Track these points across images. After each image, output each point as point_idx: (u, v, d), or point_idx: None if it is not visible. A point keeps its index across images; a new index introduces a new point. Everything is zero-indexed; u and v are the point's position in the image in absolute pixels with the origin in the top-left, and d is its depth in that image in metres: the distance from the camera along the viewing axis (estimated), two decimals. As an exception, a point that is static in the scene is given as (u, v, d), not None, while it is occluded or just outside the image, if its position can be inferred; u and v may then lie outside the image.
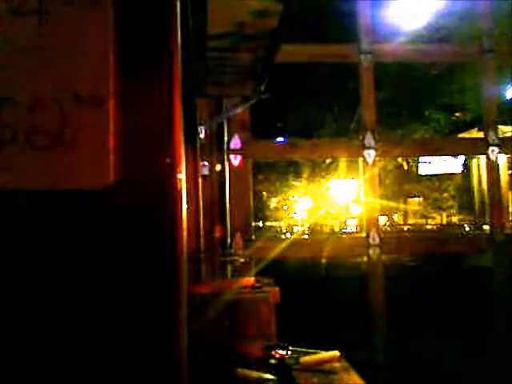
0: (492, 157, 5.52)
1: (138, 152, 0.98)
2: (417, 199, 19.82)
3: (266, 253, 4.90)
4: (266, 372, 2.08)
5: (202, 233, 4.00)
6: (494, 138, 5.51)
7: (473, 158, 13.98)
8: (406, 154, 9.88)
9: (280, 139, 11.34)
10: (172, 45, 1.02)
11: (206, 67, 3.30)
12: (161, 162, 0.98)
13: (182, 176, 1.00)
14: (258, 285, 2.93)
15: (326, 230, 20.55)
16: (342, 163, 17.34)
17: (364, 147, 5.36)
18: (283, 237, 16.00)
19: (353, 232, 18.85)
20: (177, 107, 1.01)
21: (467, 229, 14.94)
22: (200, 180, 3.90)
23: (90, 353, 0.94)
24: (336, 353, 2.28)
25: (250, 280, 2.98)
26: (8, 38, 0.95)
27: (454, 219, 18.26)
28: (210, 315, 2.26)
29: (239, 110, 4.70)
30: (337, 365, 2.24)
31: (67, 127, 0.94)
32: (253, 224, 5.57)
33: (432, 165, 18.10)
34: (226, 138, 5.02)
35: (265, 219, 20.79)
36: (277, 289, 2.91)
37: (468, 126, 12.86)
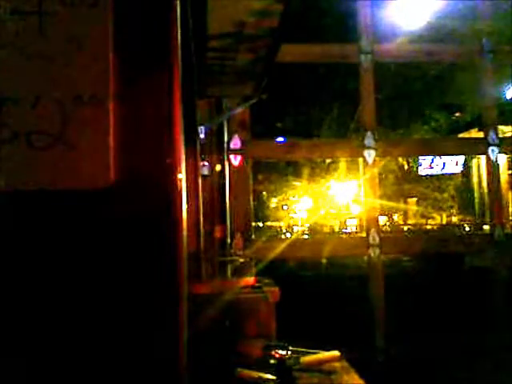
0: (492, 157, 5.52)
1: (138, 152, 0.98)
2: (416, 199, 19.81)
3: (266, 253, 4.90)
4: (266, 372, 2.07)
5: (202, 233, 4.00)
6: (493, 137, 5.51)
7: (473, 157, 13.97)
8: (406, 154, 9.88)
9: (280, 139, 11.33)
10: (172, 45, 1.02)
11: (206, 67, 3.29)
12: (161, 162, 0.98)
13: (181, 176, 1.00)
14: (257, 285, 2.93)
15: (326, 229, 20.54)
16: (342, 163, 17.33)
17: (364, 147, 5.36)
18: (283, 237, 16.01)
19: (353, 232, 18.87)
20: (177, 107, 1.01)
21: (467, 229, 14.93)
22: (200, 180, 3.90)
23: (90, 352, 0.94)
24: (336, 353, 2.28)
25: (250, 280, 2.98)
26: (8, 39, 0.95)
27: (454, 219, 18.25)
28: (210, 315, 2.26)
29: (239, 110, 4.70)
30: (337, 365, 2.24)
31: (67, 127, 0.94)
32: (253, 224, 5.57)
33: (432, 165, 18.09)
34: (226, 138, 5.02)
35: (265, 219, 20.78)
36: (277, 289, 2.91)
37: (468, 126, 12.85)
